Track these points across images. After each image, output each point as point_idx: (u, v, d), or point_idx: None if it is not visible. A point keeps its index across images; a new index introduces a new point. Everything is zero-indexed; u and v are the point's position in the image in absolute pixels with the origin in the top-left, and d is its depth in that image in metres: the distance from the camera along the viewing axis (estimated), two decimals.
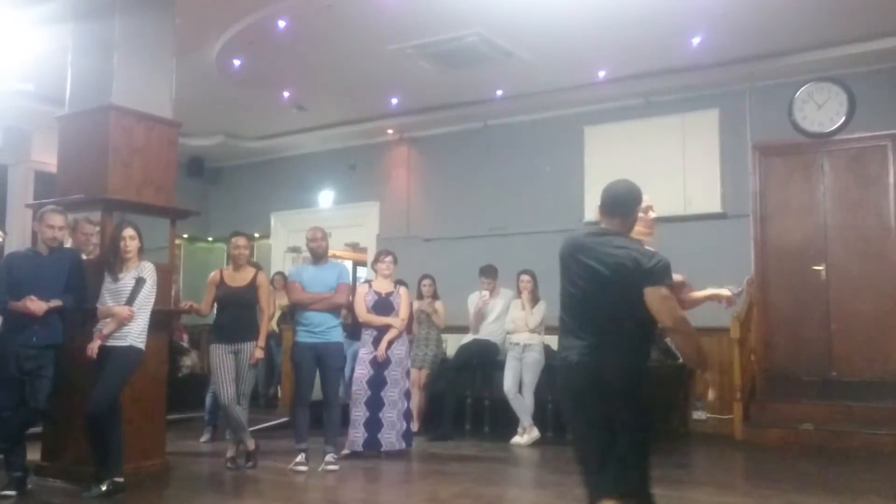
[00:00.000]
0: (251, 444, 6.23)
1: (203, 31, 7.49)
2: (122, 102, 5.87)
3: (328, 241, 6.63)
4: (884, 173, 7.92)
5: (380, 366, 6.73)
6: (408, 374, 7.13)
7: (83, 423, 5.17)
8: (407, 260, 7.97)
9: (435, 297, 8.33)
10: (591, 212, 9.42)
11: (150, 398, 5.84)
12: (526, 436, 7.45)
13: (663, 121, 8.76)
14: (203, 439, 7.48)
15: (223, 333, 6.23)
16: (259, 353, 6.21)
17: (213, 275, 6.43)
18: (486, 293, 8.08)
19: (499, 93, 9.06)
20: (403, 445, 6.86)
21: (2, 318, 5.50)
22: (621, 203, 3.60)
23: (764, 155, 8.49)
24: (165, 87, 6.21)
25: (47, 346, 5.23)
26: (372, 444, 6.67)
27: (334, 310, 6.37)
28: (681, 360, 8.23)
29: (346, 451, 6.57)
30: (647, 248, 3.51)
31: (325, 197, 11.35)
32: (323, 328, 6.26)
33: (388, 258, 6.99)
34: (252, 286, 6.28)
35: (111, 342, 5.15)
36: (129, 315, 5.17)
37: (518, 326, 7.73)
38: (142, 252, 5.40)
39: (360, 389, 6.72)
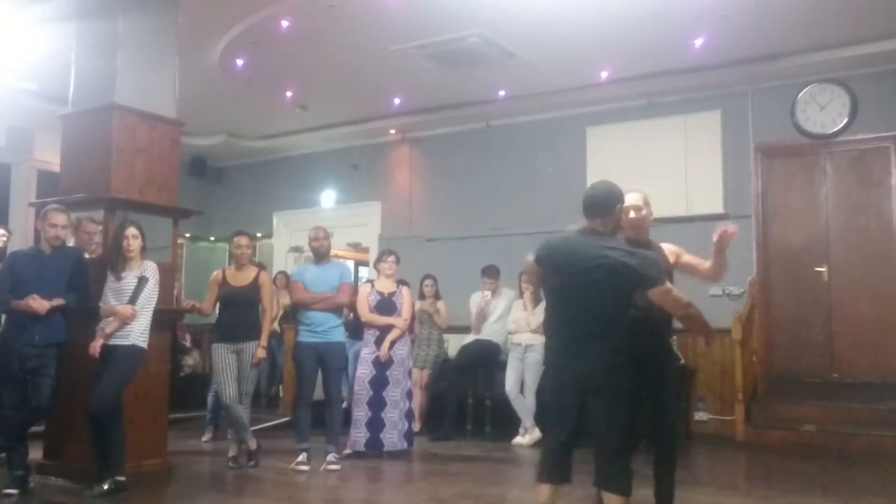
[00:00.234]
0: (253, 444, 6.23)
1: (206, 30, 7.50)
2: (125, 102, 5.87)
3: (330, 241, 6.64)
4: (886, 175, 7.92)
5: (382, 366, 6.73)
6: (410, 374, 7.14)
7: (85, 422, 5.18)
8: (409, 260, 7.97)
9: (437, 297, 8.34)
10: None
11: (153, 397, 5.85)
12: (527, 436, 7.45)
13: (665, 122, 8.76)
14: (205, 439, 7.48)
15: (225, 333, 6.23)
16: (261, 353, 6.21)
17: (216, 274, 6.44)
18: (487, 293, 8.08)
19: (501, 93, 9.06)
20: (405, 445, 6.86)
21: (4, 317, 5.52)
22: (598, 204, 3.71)
23: (766, 156, 8.48)
24: (168, 86, 6.22)
25: (50, 344, 5.23)
26: (374, 444, 6.67)
27: (336, 309, 6.37)
28: (682, 362, 8.24)
29: (347, 451, 6.58)
30: (628, 246, 3.63)
31: (328, 197, 11.36)
32: (325, 328, 6.26)
33: (391, 258, 7.00)
34: (254, 286, 6.29)
35: (114, 341, 5.16)
36: (131, 314, 5.17)
37: (520, 327, 7.74)
38: (144, 251, 5.41)
39: (362, 389, 6.73)
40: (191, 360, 9.61)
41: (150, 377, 5.71)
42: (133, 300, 5.21)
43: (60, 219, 5.38)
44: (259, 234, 11.27)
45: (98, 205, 5.88)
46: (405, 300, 6.96)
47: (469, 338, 8.26)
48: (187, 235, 11.60)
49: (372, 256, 10.14)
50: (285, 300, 9.14)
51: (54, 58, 7.08)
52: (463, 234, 9.88)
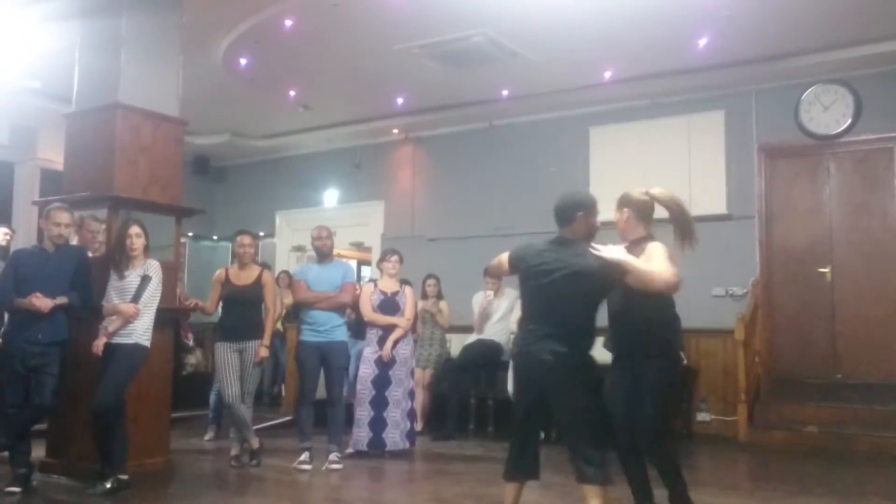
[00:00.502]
0: (255, 443, 6.24)
1: (210, 29, 7.51)
2: (128, 100, 5.88)
3: (333, 240, 6.64)
4: (890, 175, 7.91)
5: (384, 365, 6.73)
6: (412, 373, 7.14)
7: (88, 420, 5.19)
8: (411, 259, 7.96)
9: (439, 296, 8.34)
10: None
11: (155, 396, 5.85)
12: None
13: (669, 122, 8.75)
14: (207, 437, 7.48)
15: (228, 332, 6.24)
16: (264, 352, 6.20)
17: (219, 273, 6.45)
18: (490, 293, 8.08)
19: (504, 93, 9.06)
20: (407, 445, 6.86)
21: (8, 315, 5.52)
22: (560, 214, 3.93)
23: (770, 156, 8.47)
24: (172, 85, 6.23)
25: (53, 343, 5.23)
26: (376, 444, 6.67)
27: (339, 309, 6.38)
28: (684, 362, 8.24)
29: (349, 451, 6.58)
30: (590, 250, 3.79)
31: (330, 196, 11.37)
32: (327, 327, 6.26)
33: (395, 257, 6.99)
34: (257, 285, 6.29)
35: (117, 339, 5.17)
36: (134, 312, 5.18)
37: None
38: (147, 250, 5.41)
39: (364, 388, 6.73)
40: (193, 359, 9.62)
41: (152, 376, 5.72)
42: (136, 299, 5.22)
43: (64, 217, 5.38)
44: (262, 234, 11.27)
45: (101, 203, 5.88)
46: (408, 300, 6.95)
47: (471, 337, 8.26)
48: (190, 234, 11.60)
49: (374, 256, 10.15)
50: (288, 299, 9.14)
51: (58, 56, 7.08)
52: (465, 234, 9.88)
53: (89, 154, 5.94)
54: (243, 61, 8.20)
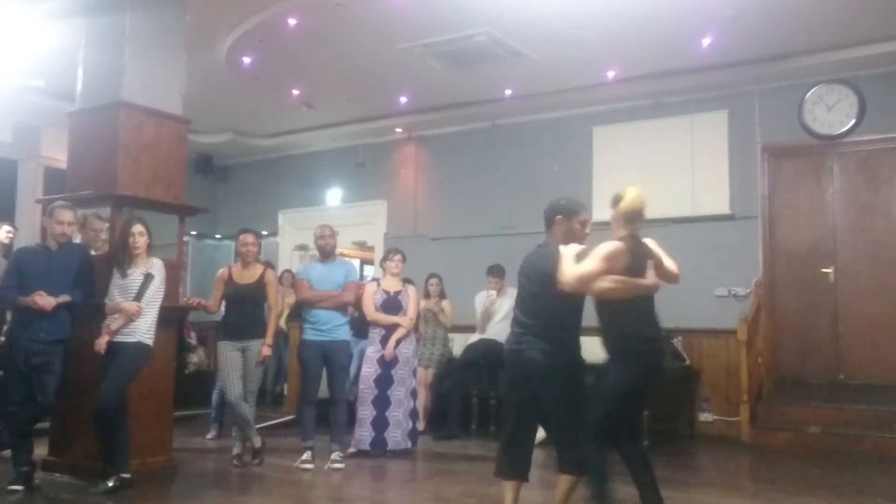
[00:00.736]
0: (257, 442, 6.24)
1: (213, 28, 7.51)
2: (132, 99, 5.88)
3: (336, 239, 6.64)
4: (893, 176, 7.90)
5: (387, 364, 6.73)
6: (414, 373, 7.13)
7: (91, 419, 5.19)
8: (414, 259, 7.97)
9: (442, 296, 8.33)
10: (599, 213, 9.42)
11: (158, 394, 5.86)
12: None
13: (672, 121, 8.74)
14: (209, 436, 7.49)
15: (231, 331, 6.24)
16: (267, 351, 6.20)
17: (222, 272, 6.45)
18: (493, 293, 8.08)
19: (507, 92, 9.06)
20: (409, 444, 6.86)
21: (11, 313, 5.53)
22: (544, 217, 4.18)
23: (773, 156, 8.46)
24: (175, 83, 6.23)
25: (55, 341, 5.24)
26: (378, 444, 6.67)
27: (342, 308, 6.38)
28: (687, 362, 8.24)
29: (352, 450, 6.58)
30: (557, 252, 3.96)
31: (333, 195, 11.37)
32: (330, 326, 6.26)
33: (398, 257, 6.99)
34: (260, 283, 6.28)
35: (119, 338, 5.17)
36: (137, 311, 5.18)
37: None
38: (150, 248, 5.41)
39: (366, 388, 6.73)
40: (196, 358, 9.63)
41: (155, 374, 5.72)
42: (139, 297, 5.22)
43: (67, 216, 5.38)
44: (265, 233, 11.28)
45: (105, 202, 5.89)
46: (411, 299, 6.96)
47: (474, 337, 8.25)
48: (193, 233, 11.61)
49: (377, 255, 10.15)
50: (290, 298, 9.15)
51: (62, 55, 7.09)
52: (468, 234, 9.88)
53: (93, 152, 5.94)
54: (247, 60, 8.21)
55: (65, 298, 5.24)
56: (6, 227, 7.24)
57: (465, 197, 10.13)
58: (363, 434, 6.66)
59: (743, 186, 8.45)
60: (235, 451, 6.28)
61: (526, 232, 9.23)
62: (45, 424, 5.72)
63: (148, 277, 5.27)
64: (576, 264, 3.85)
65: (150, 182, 5.97)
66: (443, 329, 8.34)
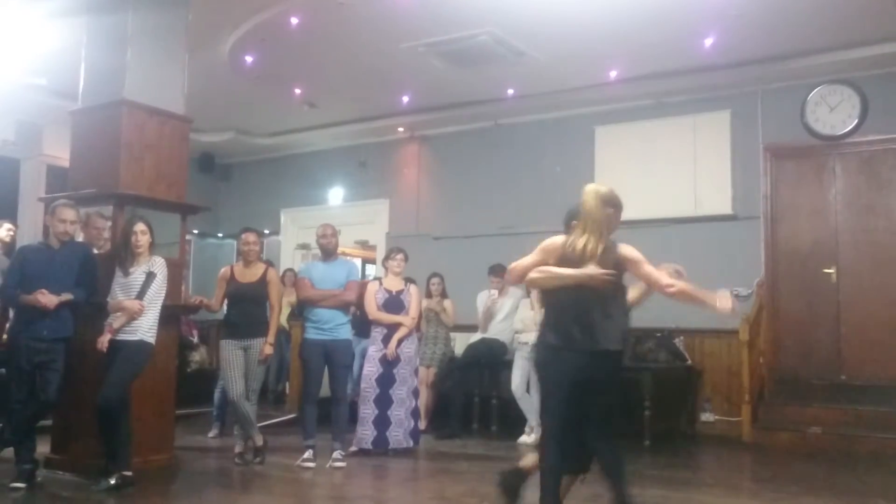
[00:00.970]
0: (259, 440, 6.24)
1: (215, 27, 7.51)
2: (134, 97, 5.89)
3: (338, 238, 6.64)
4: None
5: (389, 363, 6.74)
6: (416, 372, 7.14)
7: (92, 417, 5.19)
8: (416, 258, 7.97)
9: (444, 295, 8.33)
10: None
11: (160, 393, 5.86)
12: (533, 435, 7.43)
13: (674, 121, 8.73)
14: (211, 435, 7.49)
15: (233, 329, 6.24)
16: (269, 350, 6.21)
17: (224, 271, 6.45)
18: (494, 292, 8.08)
19: (510, 92, 9.05)
20: (411, 443, 6.87)
21: (13, 312, 5.53)
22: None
23: (775, 157, 8.45)
24: (178, 82, 6.23)
25: (58, 339, 5.25)
26: (380, 443, 6.68)
27: (343, 307, 6.38)
28: (689, 362, 8.24)
29: (353, 449, 6.58)
30: None
31: (335, 194, 11.38)
32: (332, 325, 6.26)
33: (400, 256, 7.00)
34: (262, 282, 6.29)
35: (121, 336, 5.17)
36: (139, 309, 5.18)
37: (527, 326, 7.72)
38: (153, 247, 5.41)
39: (368, 387, 6.73)
40: (198, 356, 9.64)
41: (157, 373, 5.72)
42: (141, 296, 5.22)
43: (69, 214, 5.39)
44: (267, 231, 11.28)
45: (107, 200, 5.90)
46: (413, 298, 6.96)
47: (475, 336, 8.26)
48: (195, 232, 11.63)
49: (379, 254, 10.15)
50: (292, 297, 9.15)
51: (64, 53, 7.10)
52: (470, 233, 9.87)
53: (95, 151, 5.95)
54: (249, 59, 8.21)
55: (67, 297, 5.25)
56: (7, 225, 7.25)
57: (467, 196, 10.13)
58: (365, 433, 6.67)
59: (745, 187, 8.44)
60: (237, 449, 6.29)
61: (528, 231, 9.24)
62: (47, 422, 5.72)
63: (150, 276, 5.28)
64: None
65: (153, 181, 5.98)
66: (444, 328, 8.34)
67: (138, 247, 5.31)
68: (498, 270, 8.09)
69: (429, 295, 8.26)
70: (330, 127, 10.74)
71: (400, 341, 6.76)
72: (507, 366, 7.84)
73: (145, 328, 5.23)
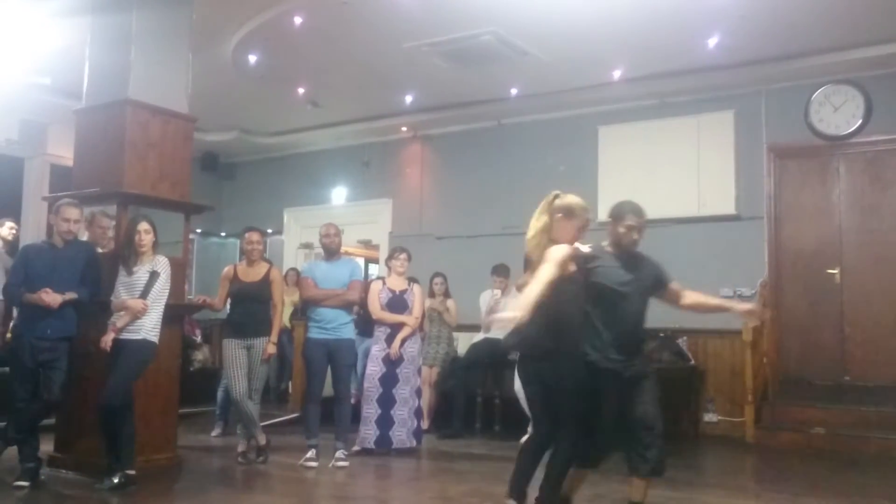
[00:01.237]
0: (262, 440, 6.24)
1: (219, 26, 7.52)
2: (138, 97, 5.89)
3: (341, 238, 6.64)
4: None
5: (392, 363, 6.74)
6: (419, 371, 7.14)
7: (96, 416, 5.20)
8: (419, 258, 7.96)
9: (447, 295, 8.33)
10: (605, 212, 9.40)
11: (163, 392, 5.87)
12: None
13: (678, 121, 8.72)
14: (214, 434, 7.50)
15: (236, 328, 6.25)
16: (271, 349, 6.22)
17: (227, 270, 6.46)
18: (497, 292, 8.07)
19: (513, 91, 9.05)
20: (414, 443, 6.87)
21: (17, 310, 5.54)
22: None
23: (779, 157, 8.44)
24: (182, 81, 6.23)
25: (62, 338, 5.26)
26: (383, 442, 6.68)
27: (346, 306, 6.38)
28: (692, 363, 8.23)
29: (356, 448, 6.59)
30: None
31: (339, 193, 11.38)
32: (335, 325, 6.27)
33: (403, 255, 7.00)
34: (265, 281, 6.30)
35: (125, 335, 5.18)
36: (142, 308, 5.19)
37: None
38: (156, 246, 5.42)
39: (371, 386, 6.74)
40: (200, 356, 9.64)
41: (160, 372, 5.73)
42: (144, 295, 5.23)
43: (73, 213, 5.40)
44: (270, 231, 11.27)
45: (111, 199, 5.91)
46: (416, 298, 6.96)
47: (478, 336, 8.25)
48: (198, 231, 11.63)
49: (382, 254, 10.15)
50: (294, 296, 9.16)
51: (68, 52, 7.11)
52: (473, 233, 9.87)
53: (99, 150, 5.95)
54: (253, 58, 8.21)
55: (71, 296, 5.26)
56: (9, 224, 7.27)
57: (470, 196, 10.12)
58: (368, 432, 6.67)
59: (749, 187, 8.43)
60: (240, 448, 6.29)
61: None
62: (50, 421, 5.73)
63: (153, 275, 5.28)
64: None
65: (156, 180, 5.98)
66: (447, 328, 8.34)
67: (142, 246, 5.31)
68: (501, 270, 8.08)
69: (432, 294, 8.26)
70: (333, 126, 10.75)
71: (403, 341, 6.76)
72: (510, 365, 7.79)
73: (149, 327, 5.24)
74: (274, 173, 11.96)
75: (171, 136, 6.11)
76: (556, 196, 4.18)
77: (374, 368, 6.76)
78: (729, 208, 8.44)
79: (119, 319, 5.20)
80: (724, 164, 8.48)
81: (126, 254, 5.37)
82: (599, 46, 7.64)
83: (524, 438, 7.44)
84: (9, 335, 5.80)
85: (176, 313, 5.94)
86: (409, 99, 9.47)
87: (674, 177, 8.54)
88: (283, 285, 6.95)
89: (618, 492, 4.84)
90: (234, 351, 6.18)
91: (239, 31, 7.67)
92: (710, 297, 4.18)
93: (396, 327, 6.78)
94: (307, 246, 11.49)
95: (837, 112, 8.03)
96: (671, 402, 7.84)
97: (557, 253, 3.96)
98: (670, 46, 7.61)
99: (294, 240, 11.82)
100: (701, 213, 8.45)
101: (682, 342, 8.20)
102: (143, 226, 5.34)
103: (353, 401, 6.92)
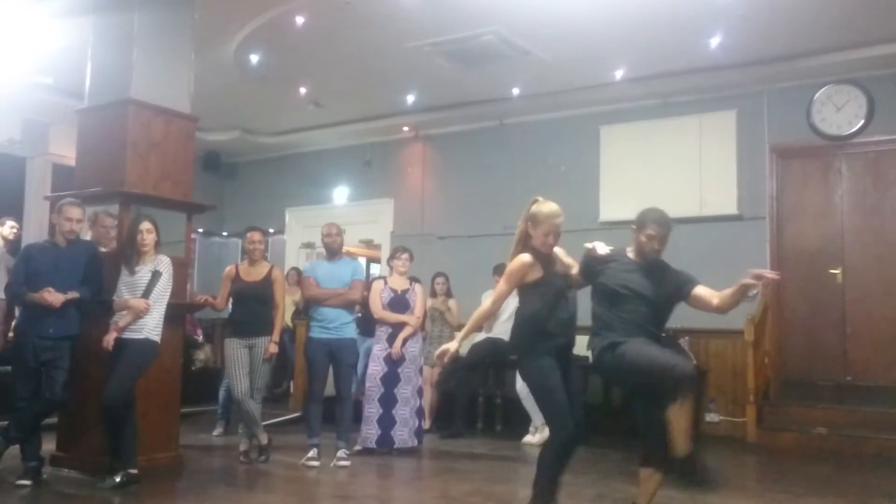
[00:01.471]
0: (264, 439, 6.25)
1: (221, 26, 7.53)
2: (140, 96, 5.90)
3: (343, 238, 6.64)
4: None
5: (394, 363, 6.74)
6: (420, 371, 7.14)
7: (98, 415, 5.21)
8: (421, 258, 7.97)
9: (448, 295, 8.34)
10: (606, 212, 9.43)
11: (165, 391, 5.87)
12: (538, 435, 7.44)
13: (680, 121, 8.72)
14: (216, 433, 7.51)
15: (238, 328, 6.26)
16: (273, 348, 6.23)
17: (229, 269, 6.47)
18: None
19: (515, 91, 9.05)
20: (415, 443, 6.87)
21: (20, 310, 5.55)
22: None
23: (781, 157, 8.44)
24: (184, 81, 6.24)
25: (64, 337, 5.27)
26: (385, 442, 6.68)
27: (348, 306, 6.38)
28: (694, 362, 8.22)
29: (358, 448, 6.59)
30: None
31: (340, 193, 11.39)
32: (337, 324, 6.27)
33: (405, 255, 7.00)
34: (267, 281, 6.30)
35: (127, 334, 5.18)
36: (145, 308, 5.19)
37: None
38: (158, 245, 5.43)
39: (373, 386, 6.74)
40: (202, 355, 9.64)
41: (162, 371, 5.74)
42: (146, 294, 5.23)
43: (75, 212, 5.41)
44: (272, 230, 11.30)
45: (113, 199, 5.90)
46: (418, 297, 6.96)
47: (480, 336, 8.24)
48: (200, 230, 11.64)
49: (384, 253, 10.15)
50: (296, 296, 9.16)
51: (70, 52, 7.11)
52: (475, 232, 9.87)
53: (101, 150, 5.96)
54: (255, 58, 8.22)
55: (73, 295, 5.27)
56: (10, 223, 7.28)
57: (471, 196, 10.13)
58: (369, 432, 6.67)
59: (751, 187, 8.43)
60: (242, 447, 6.30)
61: None
62: (53, 420, 5.74)
63: (156, 274, 5.29)
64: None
65: (158, 179, 5.99)
66: (449, 328, 8.34)
67: (144, 245, 5.32)
68: (502, 270, 8.07)
69: (433, 294, 8.26)
70: (335, 126, 10.75)
71: (405, 340, 6.76)
72: (512, 365, 7.82)
73: (151, 326, 5.24)
74: (276, 173, 11.97)
75: (173, 136, 6.11)
76: (535, 202, 4.21)
77: (376, 368, 6.76)
78: (731, 208, 8.43)
79: (121, 319, 5.21)
80: (726, 164, 8.48)
81: (128, 253, 5.37)
82: (601, 46, 7.64)
83: (526, 438, 7.48)
84: (11, 334, 5.80)
85: (178, 313, 5.94)
86: (410, 99, 9.48)
87: (676, 177, 8.53)
88: (285, 285, 6.94)
89: (619, 492, 4.84)
90: (235, 350, 6.19)
91: (241, 30, 7.68)
92: (727, 290, 4.22)
93: (398, 327, 6.78)
94: (309, 245, 11.49)
95: (840, 112, 8.03)
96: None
97: (511, 266, 4.23)
98: (672, 46, 7.61)
99: (296, 239, 11.82)
100: (703, 214, 8.44)
101: (684, 342, 8.19)
102: (146, 225, 5.34)
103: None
